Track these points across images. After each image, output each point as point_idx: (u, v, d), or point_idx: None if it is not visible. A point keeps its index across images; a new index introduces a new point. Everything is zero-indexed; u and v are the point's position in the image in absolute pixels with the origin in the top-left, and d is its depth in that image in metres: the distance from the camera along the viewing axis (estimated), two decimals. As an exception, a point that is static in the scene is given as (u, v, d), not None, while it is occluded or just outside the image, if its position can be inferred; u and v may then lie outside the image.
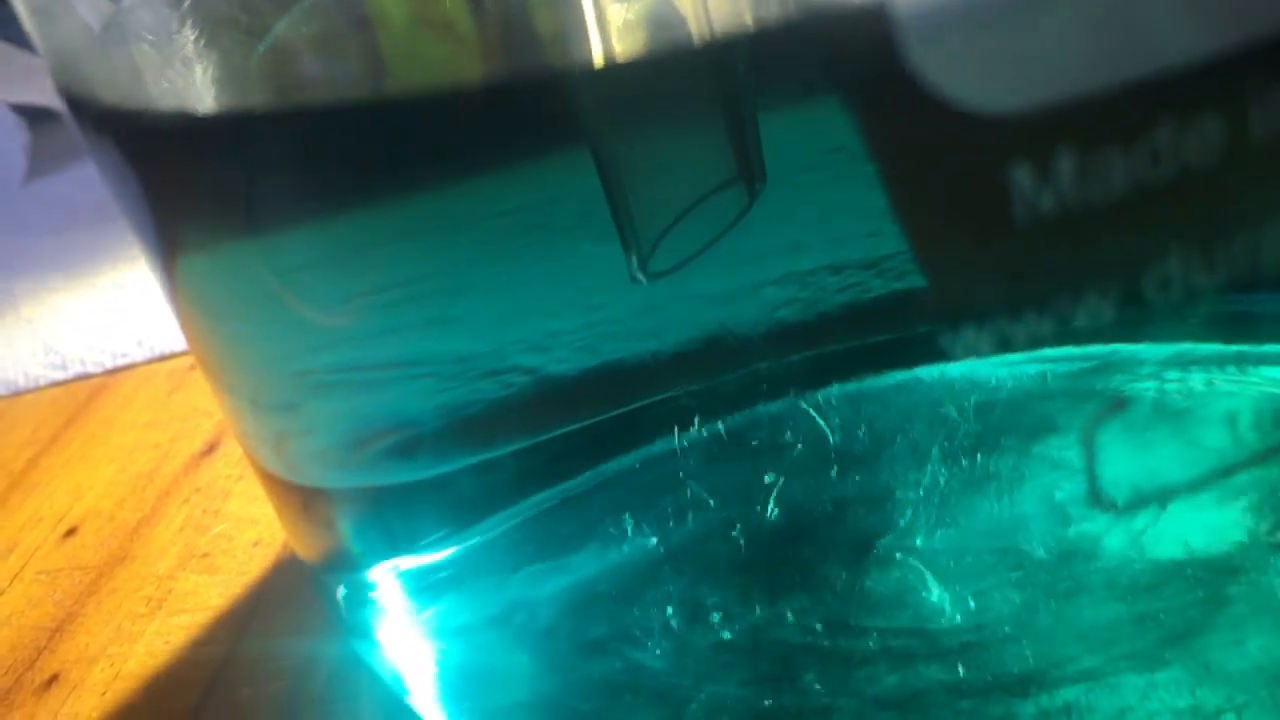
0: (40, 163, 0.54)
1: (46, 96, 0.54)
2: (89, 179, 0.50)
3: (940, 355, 0.11)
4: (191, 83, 0.12)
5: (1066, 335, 0.10)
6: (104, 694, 0.20)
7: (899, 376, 0.12)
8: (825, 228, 0.11)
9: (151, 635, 0.21)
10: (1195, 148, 0.09)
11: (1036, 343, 0.10)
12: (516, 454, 0.13)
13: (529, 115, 0.11)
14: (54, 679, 0.21)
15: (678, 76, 0.10)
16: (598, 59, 0.10)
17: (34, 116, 0.55)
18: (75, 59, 0.13)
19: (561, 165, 0.11)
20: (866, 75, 0.10)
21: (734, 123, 0.11)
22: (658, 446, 0.13)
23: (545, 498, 0.14)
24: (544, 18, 0.10)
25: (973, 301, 0.10)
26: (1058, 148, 0.09)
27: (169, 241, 0.14)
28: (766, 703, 0.13)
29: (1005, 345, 0.10)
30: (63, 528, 0.26)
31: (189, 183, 0.13)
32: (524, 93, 0.11)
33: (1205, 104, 0.09)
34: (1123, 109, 0.09)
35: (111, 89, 0.13)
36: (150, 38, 0.12)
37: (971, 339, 0.10)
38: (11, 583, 0.24)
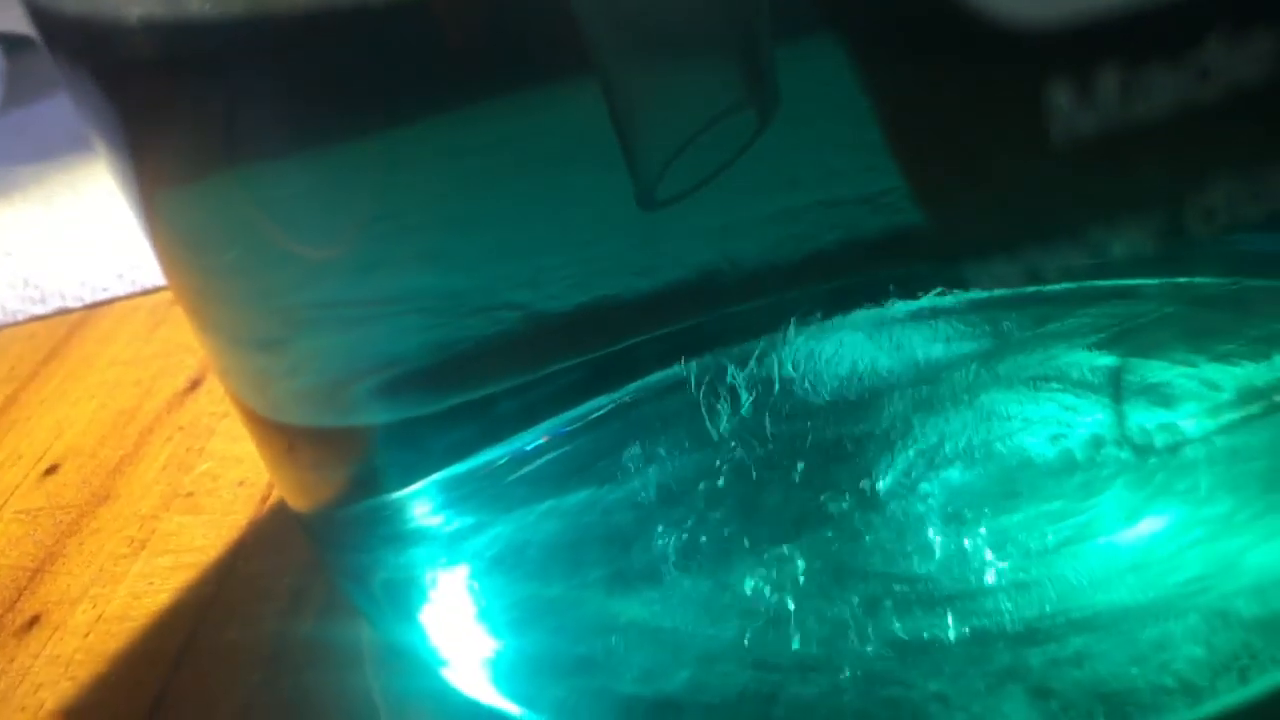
0: (18, 92, 0.53)
1: (24, 24, 0.53)
2: (69, 108, 0.50)
3: (955, 289, 0.10)
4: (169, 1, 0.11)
5: (1097, 268, 0.10)
6: (87, 635, 0.20)
7: (907, 308, 0.12)
8: (828, 159, 0.11)
9: (135, 576, 0.21)
10: (1247, 64, 0.09)
11: (1067, 275, 0.10)
12: (507, 392, 0.13)
13: (525, 39, 0.11)
14: (35, 620, 0.20)
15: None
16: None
17: (11, 45, 0.54)
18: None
19: (556, 94, 0.11)
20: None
21: (744, 43, 0.10)
22: (652, 383, 0.13)
23: (536, 436, 0.13)
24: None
25: (1001, 232, 0.10)
26: (1098, 63, 0.09)
27: (145, 172, 0.14)
28: (765, 650, 0.12)
29: (1034, 277, 0.10)
30: (43, 466, 0.25)
31: (165, 109, 0.13)
32: (520, 15, 0.10)
33: (1258, 17, 0.09)
34: (1169, 21, 0.09)
35: (83, 8, 0.12)
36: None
37: (1000, 270, 0.10)
38: (-9, 522, 0.24)
